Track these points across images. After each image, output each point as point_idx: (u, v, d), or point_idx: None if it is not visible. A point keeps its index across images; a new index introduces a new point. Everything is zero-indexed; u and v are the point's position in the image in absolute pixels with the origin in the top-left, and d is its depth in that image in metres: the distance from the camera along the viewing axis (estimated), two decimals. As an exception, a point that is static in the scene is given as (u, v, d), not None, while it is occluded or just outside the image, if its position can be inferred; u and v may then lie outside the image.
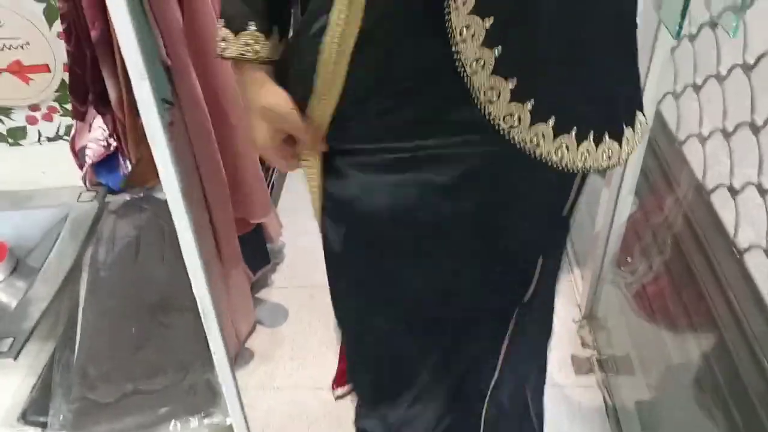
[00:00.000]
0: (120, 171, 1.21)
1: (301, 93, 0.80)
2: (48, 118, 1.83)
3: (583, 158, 0.76)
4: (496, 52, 0.68)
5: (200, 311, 1.04)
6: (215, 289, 1.10)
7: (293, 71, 0.80)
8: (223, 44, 0.80)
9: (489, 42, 0.68)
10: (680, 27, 1.12)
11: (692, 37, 1.34)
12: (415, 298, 0.92)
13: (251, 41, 0.78)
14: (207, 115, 1.28)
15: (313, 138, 0.82)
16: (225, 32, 0.80)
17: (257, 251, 1.84)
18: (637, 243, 1.69)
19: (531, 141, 0.73)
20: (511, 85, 0.70)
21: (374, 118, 0.78)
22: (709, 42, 1.26)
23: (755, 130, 1.12)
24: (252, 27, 0.78)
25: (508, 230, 0.86)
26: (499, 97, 0.71)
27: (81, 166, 1.27)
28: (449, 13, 0.67)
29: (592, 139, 0.76)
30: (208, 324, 1.08)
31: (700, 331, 1.34)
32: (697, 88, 1.35)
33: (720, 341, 1.23)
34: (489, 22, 0.67)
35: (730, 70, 1.20)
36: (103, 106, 1.13)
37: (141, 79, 0.88)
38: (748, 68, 1.13)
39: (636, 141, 0.81)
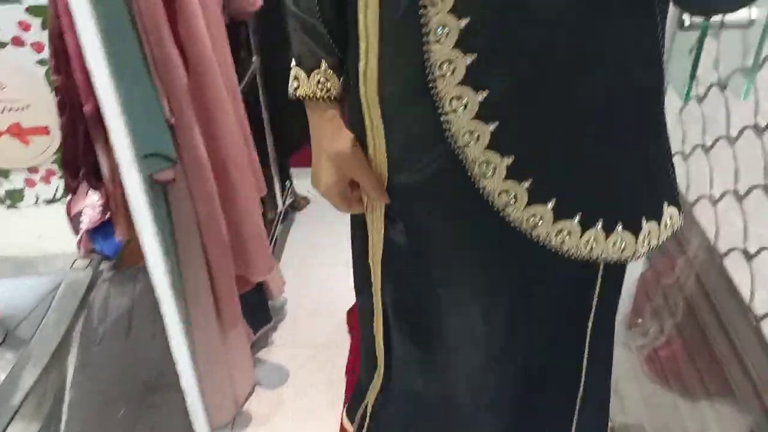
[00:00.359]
0: (116, 238, 1.18)
1: (358, 132, 0.79)
2: (46, 180, 1.82)
3: (588, 246, 0.71)
4: (492, 127, 0.66)
5: (187, 406, 1.00)
6: (206, 377, 1.05)
7: (350, 111, 0.80)
8: (295, 83, 0.79)
9: (483, 116, 0.66)
10: (689, 90, 1.11)
11: (700, 98, 1.33)
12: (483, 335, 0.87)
13: (323, 80, 0.78)
14: (210, 173, 1.26)
15: (377, 186, 0.79)
16: (297, 71, 0.79)
17: (258, 309, 1.80)
18: (647, 304, 1.64)
19: (527, 221, 0.70)
20: (507, 161, 0.67)
21: (415, 171, 0.75)
22: (718, 101, 1.25)
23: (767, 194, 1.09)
24: (324, 65, 0.78)
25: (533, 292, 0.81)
26: (494, 173, 0.68)
27: (77, 232, 1.25)
28: (434, 80, 0.65)
29: (600, 228, 0.71)
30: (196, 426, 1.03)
31: (716, 399, 1.29)
32: (706, 149, 1.33)
33: (737, 411, 1.18)
34: (483, 94, 0.65)
35: (740, 132, 1.18)
36: (96, 180, 1.11)
37: (130, 167, 0.86)
38: (759, 131, 1.11)
39: (661, 236, 0.75)
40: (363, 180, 0.80)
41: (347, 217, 0.96)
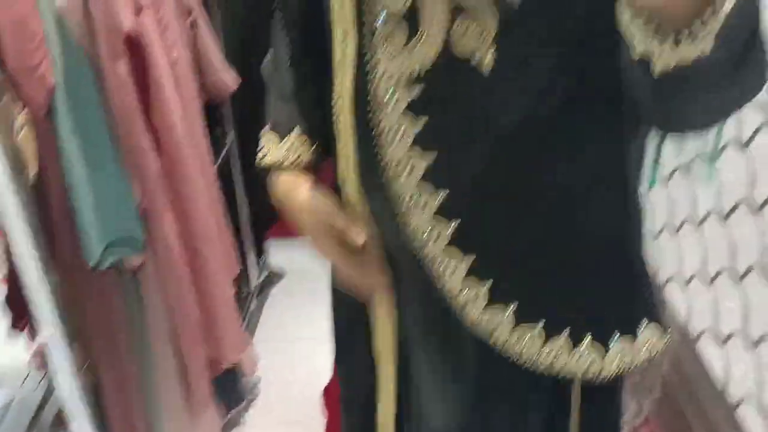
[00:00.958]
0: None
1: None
2: (3, 282, 1.76)
3: (550, 358, 0.68)
4: (453, 224, 0.66)
5: None
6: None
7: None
8: (264, 150, 0.80)
9: (443, 214, 0.66)
10: (654, 176, 1.13)
11: (666, 179, 1.36)
12: None
13: (295, 146, 0.79)
14: (181, 257, 1.26)
15: (357, 231, 0.73)
16: (269, 135, 0.80)
17: (230, 389, 1.75)
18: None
19: (487, 323, 0.68)
20: (467, 261, 0.67)
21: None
22: (685, 182, 1.28)
23: (736, 277, 1.11)
24: (297, 130, 0.78)
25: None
26: (454, 271, 0.67)
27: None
28: (388, 179, 0.66)
29: (565, 338, 0.68)
30: None
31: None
32: (674, 230, 1.35)
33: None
34: (443, 193, 0.66)
35: (706, 216, 1.20)
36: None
37: (49, 331, 0.85)
38: (723, 216, 1.14)
39: (636, 356, 0.70)
40: (335, 218, 0.75)
41: (322, 291, 0.91)
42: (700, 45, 0.45)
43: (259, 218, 2.18)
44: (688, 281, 1.31)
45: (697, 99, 0.52)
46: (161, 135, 1.16)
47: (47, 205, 1.13)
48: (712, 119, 0.58)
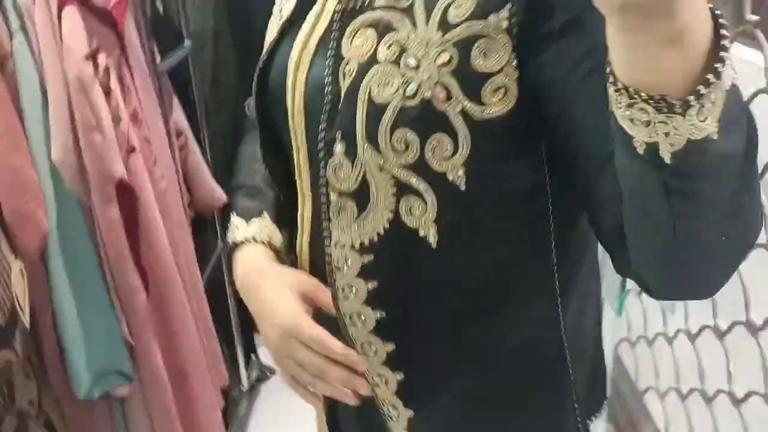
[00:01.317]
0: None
1: None
2: None
3: None
4: (398, 376, 0.70)
5: None
6: None
7: None
8: (234, 230, 0.79)
9: (391, 365, 0.70)
10: (621, 304, 1.18)
11: (639, 292, 1.40)
12: None
13: (263, 227, 0.78)
14: (168, 387, 1.28)
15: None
16: (237, 221, 0.80)
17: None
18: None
19: None
20: (410, 412, 0.71)
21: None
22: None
23: (707, 399, 1.14)
24: (266, 216, 0.79)
25: None
26: (398, 417, 0.72)
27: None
28: (345, 328, 0.71)
29: None
30: None
31: None
32: (649, 342, 1.39)
33: None
34: (390, 346, 0.70)
35: (675, 334, 1.24)
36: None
37: None
38: (691, 336, 1.18)
39: None
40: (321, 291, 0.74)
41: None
42: (707, 118, 0.41)
43: (249, 316, 2.19)
44: (665, 393, 1.34)
45: (711, 208, 0.46)
46: (150, 270, 1.20)
47: (39, 340, 1.17)
48: (726, 256, 0.51)
